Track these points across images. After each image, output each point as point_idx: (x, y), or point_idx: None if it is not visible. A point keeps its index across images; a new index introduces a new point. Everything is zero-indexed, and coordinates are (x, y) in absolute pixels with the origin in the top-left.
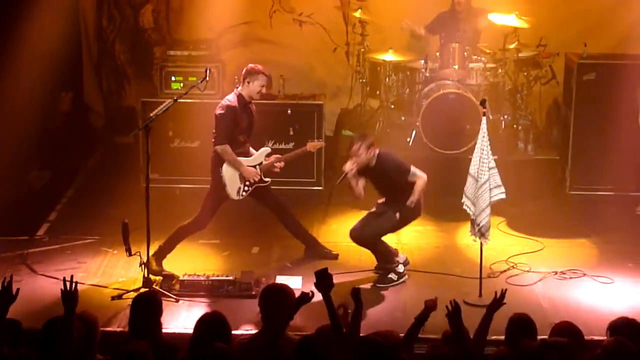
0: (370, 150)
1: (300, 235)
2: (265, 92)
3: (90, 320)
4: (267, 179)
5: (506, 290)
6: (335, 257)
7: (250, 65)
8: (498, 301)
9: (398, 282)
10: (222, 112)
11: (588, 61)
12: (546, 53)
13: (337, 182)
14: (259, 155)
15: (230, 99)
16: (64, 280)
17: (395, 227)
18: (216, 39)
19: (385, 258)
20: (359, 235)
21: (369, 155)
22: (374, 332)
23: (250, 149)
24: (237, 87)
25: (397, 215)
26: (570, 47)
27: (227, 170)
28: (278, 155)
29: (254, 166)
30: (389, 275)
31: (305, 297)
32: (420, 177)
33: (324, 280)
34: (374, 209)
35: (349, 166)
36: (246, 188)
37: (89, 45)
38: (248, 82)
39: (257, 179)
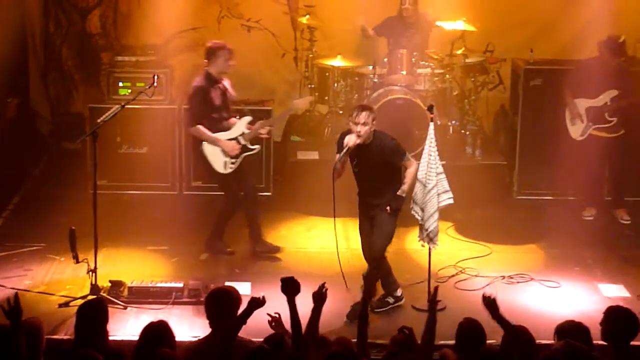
0: (374, 124)
1: (254, 226)
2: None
3: (34, 327)
4: (254, 146)
5: (437, 287)
6: (278, 249)
7: (210, 42)
8: (432, 300)
9: (394, 304)
10: (191, 94)
11: (534, 67)
12: (493, 59)
13: (340, 156)
14: (239, 126)
15: (198, 80)
16: (8, 299)
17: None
18: (164, 44)
19: (387, 279)
20: (369, 256)
21: (371, 129)
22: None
23: (231, 120)
24: (205, 68)
25: (388, 209)
26: (516, 52)
27: (207, 148)
28: (261, 121)
29: (235, 138)
30: (386, 299)
31: (256, 302)
32: (413, 162)
33: (289, 286)
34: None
35: (354, 139)
36: (233, 160)
37: (36, 51)
38: (212, 60)
39: (237, 152)
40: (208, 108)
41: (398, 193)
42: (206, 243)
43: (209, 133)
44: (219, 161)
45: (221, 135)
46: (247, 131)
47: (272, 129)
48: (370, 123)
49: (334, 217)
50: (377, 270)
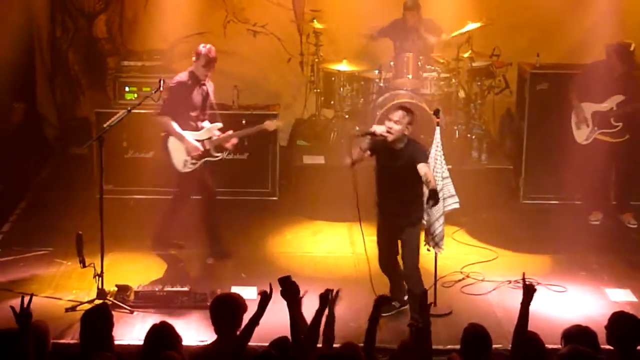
0: (409, 128)
1: (211, 229)
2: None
3: (41, 331)
4: (217, 154)
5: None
6: (229, 254)
7: (202, 45)
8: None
9: (399, 309)
10: (171, 85)
11: (541, 71)
12: (499, 63)
13: (356, 132)
14: (209, 130)
15: (182, 75)
16: (22, 299)
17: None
18: (170, 49)
19: (398, 285)
20: (406, 276)
21: (404, 132)
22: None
23: (203, 123)
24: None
25: (420, 221)
26: (523, 56)
27: (172, 142)
28: (230, 132)
29: (202, 140)
30: (393, 303)
31: (265, 297)
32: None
33: (288, 287)
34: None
35: (382, 130)
36: (193, 161)
37: (42, 56)
38: (196, 61)
39: (197, 153)
40: (183, 104)
41: (430, 206)
42: (152, 242)
43: (175, 127)
44: (180, 158)
45: (189, 135)
46: (214, 137)
47: (236, 142)
48: (404, 124)
49: (358, 211)
50: (419, 281)
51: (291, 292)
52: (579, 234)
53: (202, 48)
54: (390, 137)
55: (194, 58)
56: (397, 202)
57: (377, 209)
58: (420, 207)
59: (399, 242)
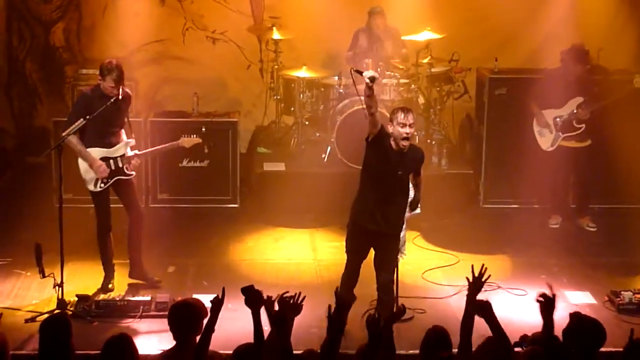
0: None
1: (134, 251)
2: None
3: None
4: (131, 172)
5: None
6: (157, 284)
7: (107, 60)
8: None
9: None
10: (75, 101)
11: (499, 76)
12: (458, 68)
13: (353, 68)
14: (121, 147)
15: (87, 89)
16: None
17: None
18: (128, 57)
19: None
20: (384, 283)
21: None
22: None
23: (119, 138)
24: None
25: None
26: (481, 62)
27: (80, 161)
28: (137, 152)
29: (113, 158)
30: None
31: (217, 302)
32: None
33: (251, 296)
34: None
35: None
36: (104, 180)
37: (0, 66)
38: (99, 76)
39: (104, 174)
40: (97, 118)
41: (415, 209)
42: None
43: (79, 146)
44: (90, 177)
45: (99, 152)
46: (127, 154)
47: (139, 162)
48: (414, 126)
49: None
50: (392, 291)
51: (254, 300)
52: (538, 238)
53: (102, 63)
54: (407, 144)
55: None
56: (389, 206)
57: (359, 212)
58: (401, 214)
59: (378, 250)
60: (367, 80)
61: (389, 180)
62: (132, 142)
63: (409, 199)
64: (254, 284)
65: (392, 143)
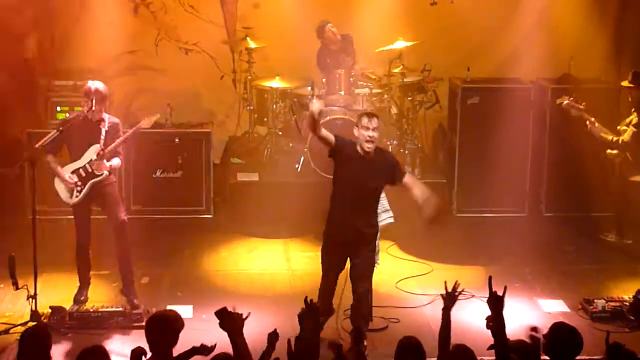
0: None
1: (123, 269)
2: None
3: None
4: (101, 172)
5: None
6: (135, 308)
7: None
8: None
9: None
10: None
11: (471, 85)
12: (431, 78)
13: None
14: (87, 154)
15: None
16: None
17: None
18: (102, 67)
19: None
20: (361, 294)
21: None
22: None
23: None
24: None
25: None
26: (453, 71)
27: (57, 181)
28: (101, 152)
29: (81, 167)
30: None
31: (204, 350)
32: (410, 175)
33: (226, 319)
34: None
35: (318, 106)
36: (78, 188)
37: None
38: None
39: (71, 184)
40: (75, 140)
41: (388, 219)
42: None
43: (53, 165)
44: (64, 192)
45: (70, 167)
46: (93, 158)
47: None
48: (378, 131)
49: None
50: (368, 299)
51: (230, 322)
52: (512, 246)
53: (86, 86)
54: (372, 147)
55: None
56: (361, 216)
57: (332, 224)
58: (375, 220)
59: (354, 261)
60: (315, 114)
61: (359, 189)
62: (98, 146)
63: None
64: (228, 305)
65: (358, 148)
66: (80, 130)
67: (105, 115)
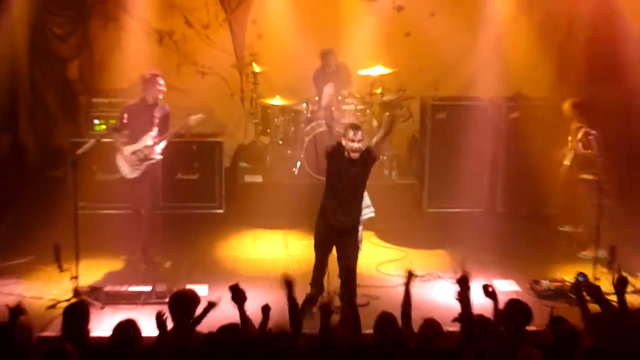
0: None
1: (142, 241)
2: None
3: (26, 326)
4: (154, 156)
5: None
6: (159, 265)
7: (145, 74)
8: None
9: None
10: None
11: (439, 103)
12: (405, 96)
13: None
14: (144, 139)
15: (132, 100)
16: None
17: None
18: (132, 88)
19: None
20: (346, 271)
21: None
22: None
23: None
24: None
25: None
26: (424, 91)
27: (118, 156)
28: (155, 139)
29: (140, 149)
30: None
31: (212, 305)
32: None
33: (236, 294)
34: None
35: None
36: (136, 165)
37: (25, 95)
38: (145, 87)
39: (131, 162)
40: (135, 123)
41: (369, 214)
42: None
43: (117, 144)
44: (125, 167)
45: (130, 148)
46: (149, 144)
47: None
48: (362, 141)
49: None
50: (354, 278)
51: (239, 297)
52: (472, 236)
53: (150, 73)
54: (357, 155)
55: (142, 86)
56: (343, 207)
57: (323, 215)
58: (358, 212)
59: (340, 245)
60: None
61: (340, 182)
62: (153, 134)
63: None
64: (238, 282)
65: (346, 153)
66: (139, 117)
67: (160, 105)
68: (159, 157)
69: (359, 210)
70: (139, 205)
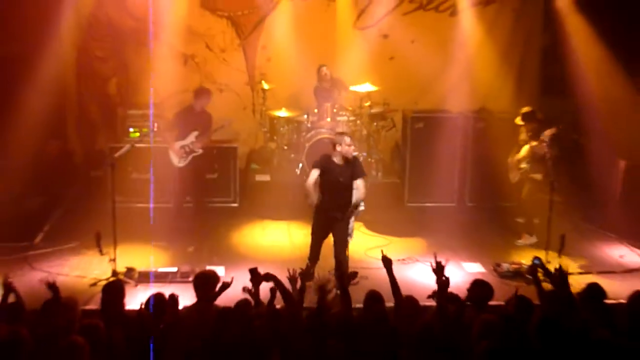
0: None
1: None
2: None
3: (72, 302)
4: (198, 150)
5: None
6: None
7: (201, 86)
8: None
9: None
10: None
11: (418, 115)
12: (389, 109)
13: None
14: (190, 137)
15: (183, 107)
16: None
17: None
18: (161, 102)
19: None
20: (337, 256)
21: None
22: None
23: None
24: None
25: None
26: (406, 105)
27: (170, 151)
28: (195, 138)
29: (186, 144)
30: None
31: (226, 285)
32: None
33: (255, 276)
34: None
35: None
36: (184, 157)
37: (72, 107)
38: (198, 97)
39: (179, 154)
40: (182, 125)
41: (360, 208)
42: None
43: (168, 139)
44: (175, 158)
45: (179, 143)
46: (194, 140)
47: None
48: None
49: None
50: (344, 261)
51: (256, 278)
52: (445, 226)
53: (203, 88)
54: (351, 155)
55: (195, 96)
56: (337, 203)
57: (319, 210)
58: (348, 207)
59: (334, 232)
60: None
61: (337, 184)
62: (197, 132)
63: (353, 200)
64: (257, 266)
65: (335, 159)
66: (187, 119)
67: (205, 111)
68: (201, 151)
69: (349, 203)
70: (185, 193)
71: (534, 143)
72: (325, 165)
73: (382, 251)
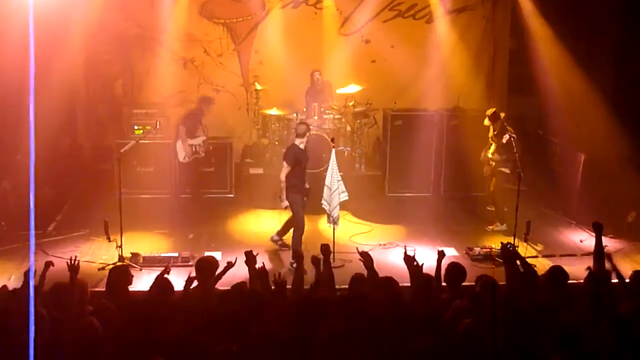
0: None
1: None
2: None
3: (83, 284)
4: (202, 153)
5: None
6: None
7: (204, 95)
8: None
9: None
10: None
11: (397, 113)
12: (371, 108)
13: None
14: (198, 139)
15: (192, 109)
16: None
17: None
18: (163, 101)
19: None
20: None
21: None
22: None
23: (199, 134)
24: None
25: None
26: (386, 104)
27: (178, 144)
28: (202, 142)
29: (193, 145)
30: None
31: (229, 265)
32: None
33: (249, 258)
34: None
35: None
36: (189, 155)
37: (81, 107)
38: (202, 104)
39: (187, 152)
40: (193, 126)
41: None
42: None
43: (181, 135)
44: (182, 154)
45: (190, 140)
46: (201, 143)
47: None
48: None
49: None
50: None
51: (251, 260)
52: (423, 214)
53: (206, 96)
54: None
55: (201, 102)
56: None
57: (297, 189)
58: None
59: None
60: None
61: (304, 170)
62: (204, 137)
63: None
64: (252, 249)
65: (302, 147)
66: (195, 121)
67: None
68: (203, 154)
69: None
70: (184, 185)
71: (503, 139)
72: (294, 153)
73: (357, 248)
